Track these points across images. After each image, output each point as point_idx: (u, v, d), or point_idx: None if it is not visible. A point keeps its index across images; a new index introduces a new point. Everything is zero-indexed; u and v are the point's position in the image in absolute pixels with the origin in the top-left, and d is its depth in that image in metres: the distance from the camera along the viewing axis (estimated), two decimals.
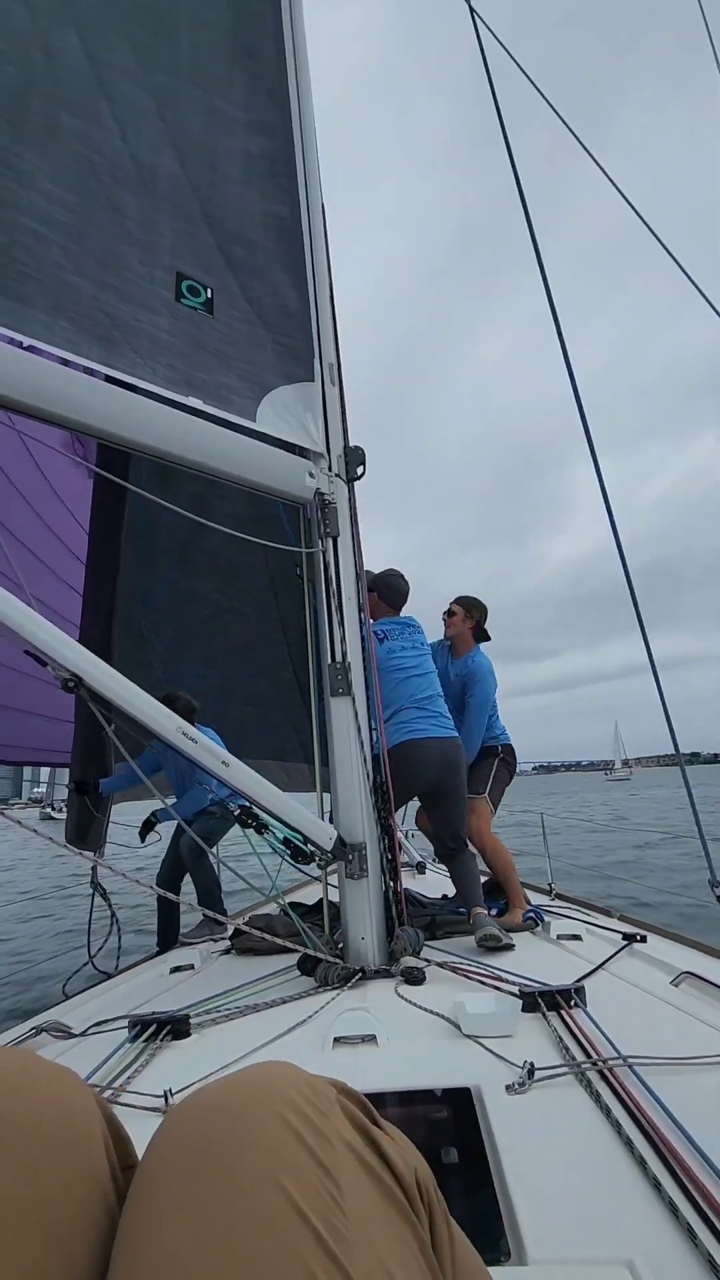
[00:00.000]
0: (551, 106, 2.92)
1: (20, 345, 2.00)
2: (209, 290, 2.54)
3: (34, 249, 2.15)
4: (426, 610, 3.81)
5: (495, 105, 3.10)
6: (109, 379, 2.16)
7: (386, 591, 3.11)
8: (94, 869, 3.65)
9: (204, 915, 3.67)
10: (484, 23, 2.81)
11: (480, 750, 3.39)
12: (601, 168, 3.19)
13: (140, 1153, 0.49)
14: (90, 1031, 1.98)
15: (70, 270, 2.18)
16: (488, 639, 3.61)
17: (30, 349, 2.00)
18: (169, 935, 3.76)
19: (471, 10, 2.81)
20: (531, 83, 2.83)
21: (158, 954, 3.32)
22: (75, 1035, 1.97)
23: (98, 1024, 2.02)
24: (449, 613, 3.58)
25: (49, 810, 28.72)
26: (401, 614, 3.14)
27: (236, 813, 2.16)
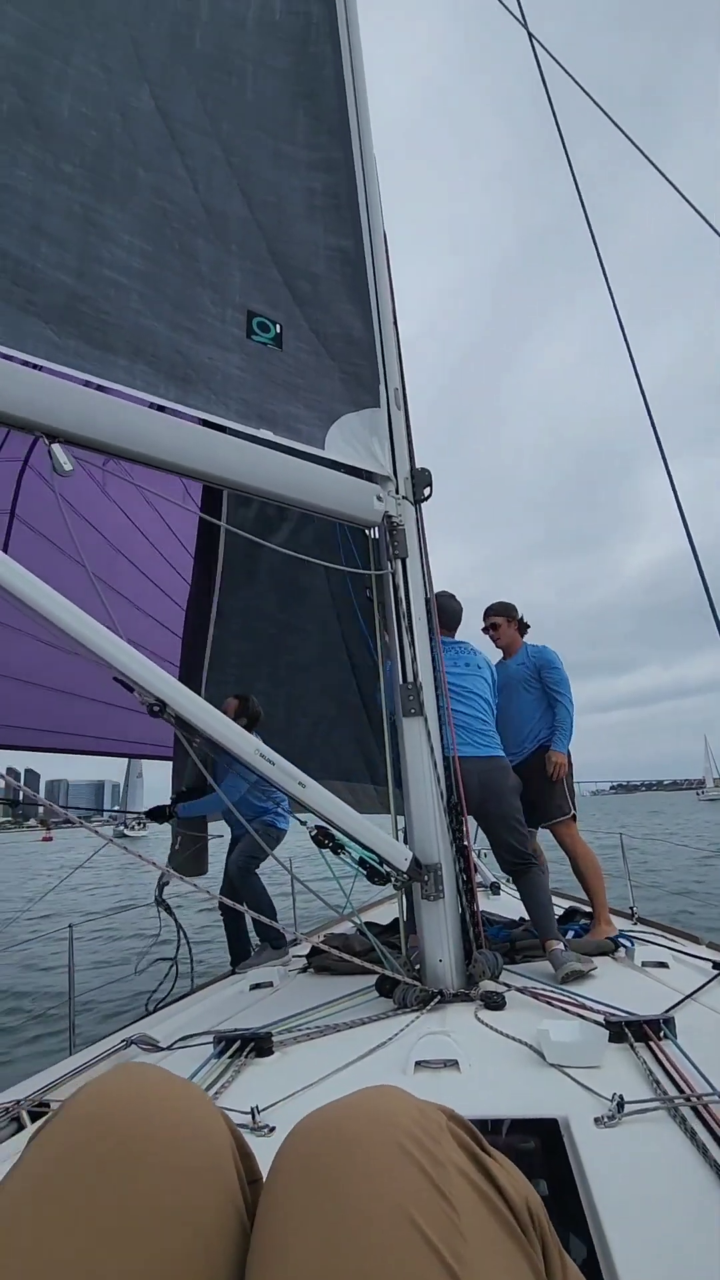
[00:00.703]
0: (612, 120, 2.90)
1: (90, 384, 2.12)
2: (278, 325, 2.63)
3: (115, 298, 2.28)
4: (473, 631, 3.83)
5: (555, 122, 3.10)
6: (182, 415, 2.27)
7: (441, 614, 3.13)
8: (159, 885, 3.72)
9: (260, 941, 3.74)
10: (543, 46, 2.83)
11: (535, 760, 3.34)
12: (663, 174, 3.13)
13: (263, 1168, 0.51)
14: (177, 1046, 2.04)
15: (148, 316, 2.30)
16: (529, 627, 3.67)
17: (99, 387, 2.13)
18: (240, 950, 3.82)
19: (531, 36, 2.83)
20: (592, 99, 2.83)
21: (231, 973, 3.39)
22: (163, 1049, 2.04)
23: (183, 1039, 2.08)
24: (493, 625, 3.63)
25: (123, 829, 29.59)
26: (455, 636, 3.15)
27: (313, 833, 2.19)
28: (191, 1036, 2.09)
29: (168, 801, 3.97)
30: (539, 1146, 1.41)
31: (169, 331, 2.34)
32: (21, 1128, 1.61)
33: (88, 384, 2.14)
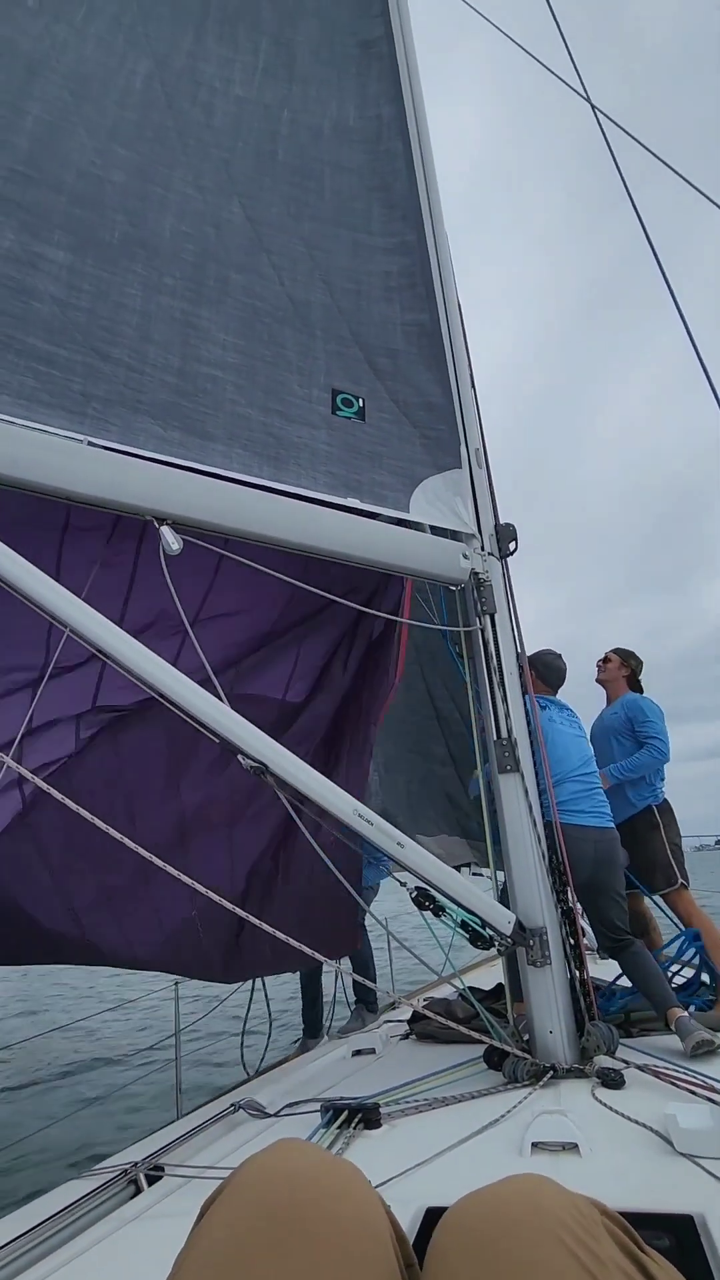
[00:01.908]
0: (676, 172, 2.94)
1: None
2: (360, 400, 2.78)
3: (212, 391, 2.49)
4: (582, 671, 3.74)
5: (621, 178, 3.17)
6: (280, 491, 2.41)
7: (544, 670, 3.11)
8: None
9: (356, 1002, 3.65)
10: (606, 116, 2.94)
11: (640, 822, 3.18)
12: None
13: None
14: (284, 1113, 2.04)
15: (243, 404, 2.49)
16: (640, 691, 3.51)
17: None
18: (313, 1019, 3.72)
19: (594, 109, 2.95)
20: (658, 158, 2.89)
21: (299, 1041, 3.33)
22: (270, 1115, 2.04)
23: (290, 1105, 2.08)
24: (604, 659, 3.53)
25: None
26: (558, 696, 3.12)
27: (413, 894, 2.18)
28: (298, 1104, 2.08)
29: None
30: (674, 1246, 1.31)
31: (261, 416, 2.52)
32: (139, 1191, 1.64)
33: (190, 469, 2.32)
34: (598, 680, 3.57)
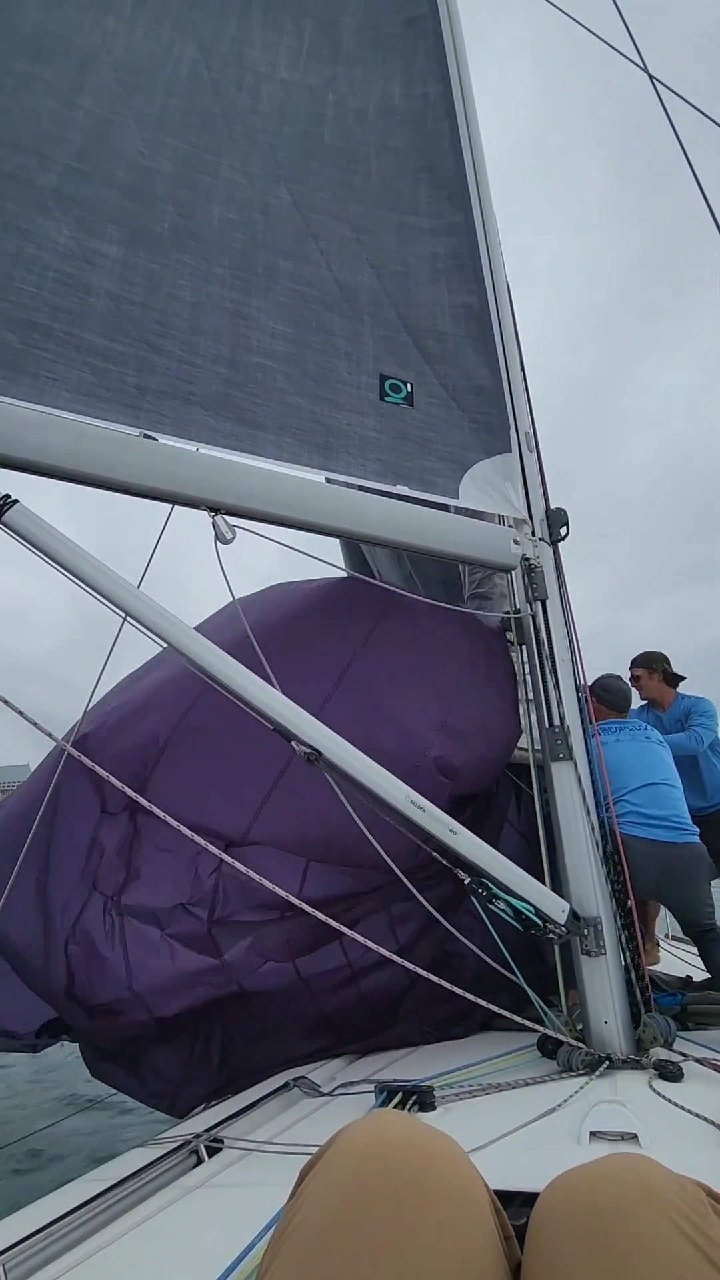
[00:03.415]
0: None
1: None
2: (409, 385, 2.75)
3: (262, 380, 2.50)
4: (615, 664, 3.66)
5: (681, 147, 3.06)
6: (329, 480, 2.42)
7: (604, 694, 3.07)
8: None
9: None
10: (662, 83, 2.83)
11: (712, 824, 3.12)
12: None
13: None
14: (338, 1092, 2.07)
15: (292, 393, 2.50)
16: (682, 678, 3.46)
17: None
18: None
19: (652, 79, 2.84)
20: (715, 122, 2.77)
21: None
22: (324, 1094, 2.08)
23: (344, 1085, 2.11)
24: (634, 679, 3.45)
25: None
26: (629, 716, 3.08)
27: (466, 881, 2.18)
28: (351, 1084, 2.11)
29: None
30: None
31: (310, 404, 2.52)
32: (200, 1161, 1.69)
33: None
34: (644, 699, 3.50)
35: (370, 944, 2.04)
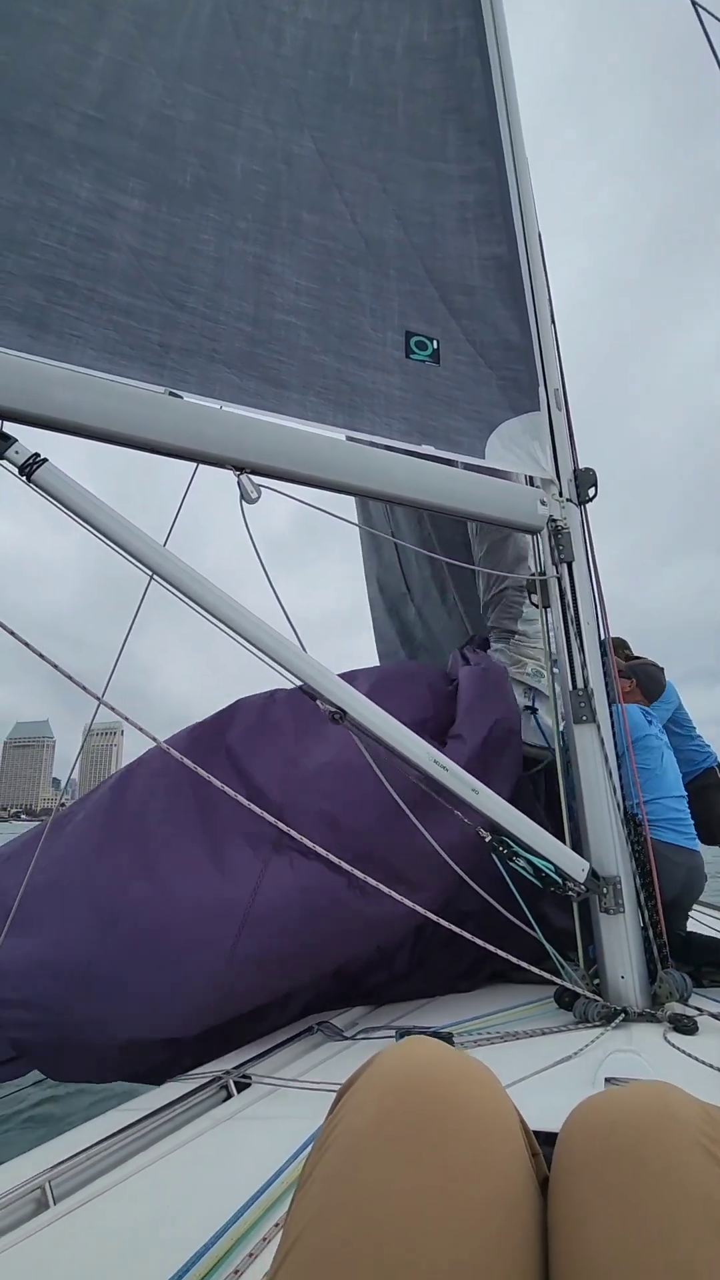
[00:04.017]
0: None
1: None
2: (435, 342, 2.69)
3: (286, 338, 2.46)
4: (634, 633, 3.57)
5: None
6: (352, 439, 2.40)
7: (646, 681, 3.06)
8: None
9: None
10: (706, 9, 2.66)
11: (705, 786, 3.11)
12: None
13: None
14: (360, 1036, 2.15)
15: (317, 350, 2.46)
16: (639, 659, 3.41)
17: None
18: None
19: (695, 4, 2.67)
20: None
21: None
22: (347, 1038, 2.16)
23: (366, 1030, 2.19)
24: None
25: None
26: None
27: (487, 839, 2.21)
28: (373, 1029, 2.19)
29: None
30: None
31: (335, 362, 2.49)
32: (230, 1096, 1.78)
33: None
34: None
35: (398, 896, 2.08)
